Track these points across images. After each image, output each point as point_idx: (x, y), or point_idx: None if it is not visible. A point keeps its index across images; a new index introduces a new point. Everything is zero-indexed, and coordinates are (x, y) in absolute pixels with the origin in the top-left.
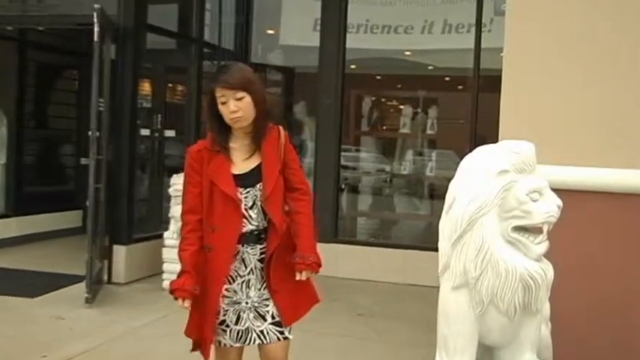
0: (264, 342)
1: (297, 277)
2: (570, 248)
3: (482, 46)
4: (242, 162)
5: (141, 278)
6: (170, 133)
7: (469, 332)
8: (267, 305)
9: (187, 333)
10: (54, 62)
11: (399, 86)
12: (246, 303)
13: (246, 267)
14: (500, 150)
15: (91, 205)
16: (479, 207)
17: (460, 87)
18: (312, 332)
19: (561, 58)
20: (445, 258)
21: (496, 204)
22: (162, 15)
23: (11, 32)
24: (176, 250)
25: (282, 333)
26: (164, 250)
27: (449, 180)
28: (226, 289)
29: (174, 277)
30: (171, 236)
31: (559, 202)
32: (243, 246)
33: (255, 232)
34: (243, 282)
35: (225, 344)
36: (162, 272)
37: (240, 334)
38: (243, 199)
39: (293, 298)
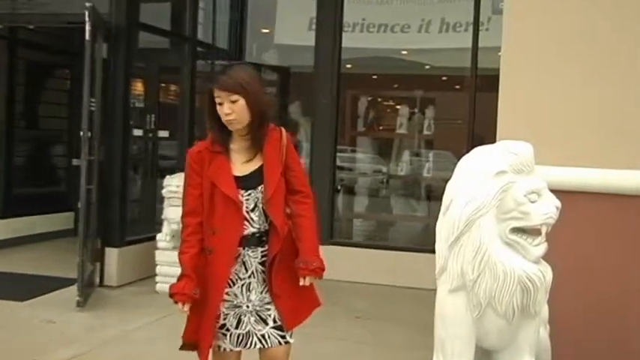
0: (266, 346)
1: (301, 283)
2: (569, 250)
3: (480, 45)
4: (243, 164)
5: (133, 281)
6: (163, 133)
7: (466, 335)
8: (269, 309)
9: (185, 337)
10: (45, 61)
11: (396, 86)
12: (247, 307)
13: (246, 270)
14: (497, 150)
15: (82, 207)
16: (476, 208)
17: (457, 87)
18: (310, 336)
19: (560, 57)
20: (442, 260)
21: (494, 205)
22: (155, 13)
23: (1, 30)
24: (169, 253)
25: (283, 337)
26: (157, 252)
27: (446, 181)
28: (226, 293)
29: (167, 279)
30: (164, 238)
31: (557, 203)
32: (244, 249)
33: (257, 235)
34: (243, 285)
35: (224, 348)
36: (156, 275)
37: (240, 338)
38: (244, 202)
39: (295, 302)
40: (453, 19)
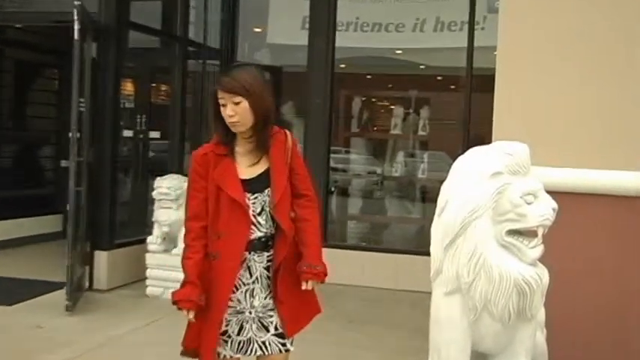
0: (266, 353)
1: (303, 287)
2: (565, 252)
3: (476, 44)
4: (249, 167)
5: (123, 285)
6: (154, 134)
7: (462, 339)
8: (272, 316)
9: (186, 343)
10: (33, 61)
11: (390, 86)
12: (250, 313)
13: (251, 275)
14: (493, 151)
15: (71, 209)
16: (472, 210)
17: (453, 86)
18: (304, 341)
19: (556, 56)
20: (437, 263)
21: (489, 207)
22: (145, 12)
23: None
24: (160, 256)
25: (284, 345)
26: (147, 255)
27: (441, 182)
28: (229, 299)
29: (157, 283)
30: (154, 241)
31: (554, 204)
32: (249, 253)
33: (263, 239)
34: (247, 290)
35: (224, 355)
36: (146, 278)
37: (241, 344)
38: (250, 205)
39: (297, 308)
40: (448, 18)
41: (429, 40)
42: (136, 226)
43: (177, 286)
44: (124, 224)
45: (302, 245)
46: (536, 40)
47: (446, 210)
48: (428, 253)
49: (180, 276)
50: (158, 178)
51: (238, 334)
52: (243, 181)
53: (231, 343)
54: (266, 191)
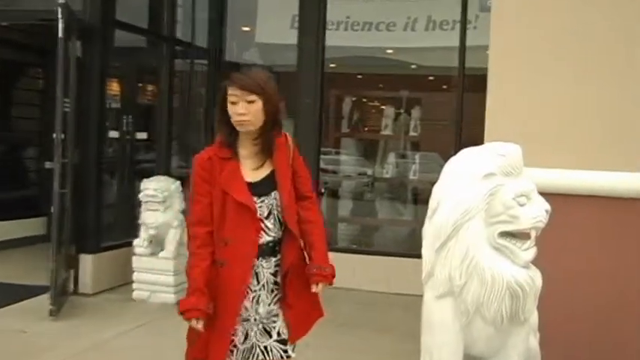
0: (267, 359)
1: (314, 289)
2: (559, 254)
3: (468, 43)
4: (253, 170)
5: (109, 288)
6: (141, 135)
7: (454, 343)
8: (275, 321)
9: (193, 354)
10: (16, 60)
11: (381, 86)
12: (255, 319)
13: (258, 282)
14: (485, 152)
15: (55, 212)
16: (464, 212)
17: (445, 86)
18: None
19: (550, 55)
20: (429, 265)
21: (482, 209)
22: (132, 11)
23: None
24: (146, 259)
25: (285, 351)
26: (134, 258)
27: (433, 184)
28: (240, 307)
29: (144, 286)
30: (141, 244)
31: (547, 206)
32: (258, 259)
33: (271, 244)
34: (253, 297)
35: None
36: (132, 282)
37: (245, 352)
38: (257, 209)
39: (303, 312)
40: (440, 17)
41: (420, 40)
42: (122, 228)
43: (165, 289)
44: (110, 227)
45: (309, 247)
46: (529, 39)
47: (438, 212)
48: (419, 256)
49: (168, 279)
50: (145, 179)
51: (243, 342)
52: (249, 184)
53: (237, 353)
54: (272, 194)
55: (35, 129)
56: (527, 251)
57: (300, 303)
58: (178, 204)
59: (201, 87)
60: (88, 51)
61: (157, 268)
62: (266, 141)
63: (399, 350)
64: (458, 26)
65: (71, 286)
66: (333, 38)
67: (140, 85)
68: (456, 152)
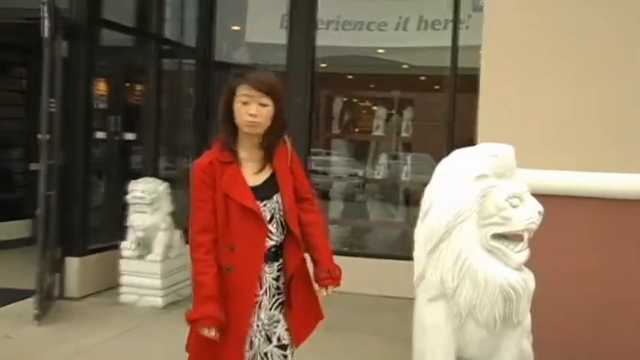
0: None
1: (324, 293)
2: (552, 256)
3: (460, 43)
4: (254, 174)
5: (96, 292)
6: (129, 136)
7: (446, 346)
8: (276, 327)
9: None
10: (0, 59)
11: (372, 86)
12: (257, 326)
13: (261, 287)
14: (478, 153)
15: (41, 214)
16: (456, 214)
17: (437, 87)
18: None
19: (545, 55)
20: (421, 268)
21: (474, 210)
22: (118, 9)
23: None
24: (134, 262)
25: (285, 357)
26: (121, 261)
27: (425, 185)
28: (251, 314)
29: (132, 290)
30: (129, 247)
31: (540, 208)
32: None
33: (273, 249)
34: (256, 303)
35: None
36: (120, 285)
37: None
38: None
39: (305, 316)
40: (432, 17)
41: (412, 39)
42: (109, 231)
43: (153, 293)
44: (97, 229)
45: (312, 250)
46: (520, 39)
47: (429, 214)
48: (411, 258)
49: (156, 283)
50: (132, 181)
51: (249, 350)
52: (251, 188)
53: None
54: (274, 197)
55: (20, 130)
56: (520, 253)
57: (301, 307)
58: (166, 206)
59: (189, 87)
60: (74, 50)
61: (144, 271)
62: (271, 145)
63: (390, 354)
64: (450, 26)
65: (57, 290)
66: (324, 38)
67: (127, 85)
68: (448, 153)
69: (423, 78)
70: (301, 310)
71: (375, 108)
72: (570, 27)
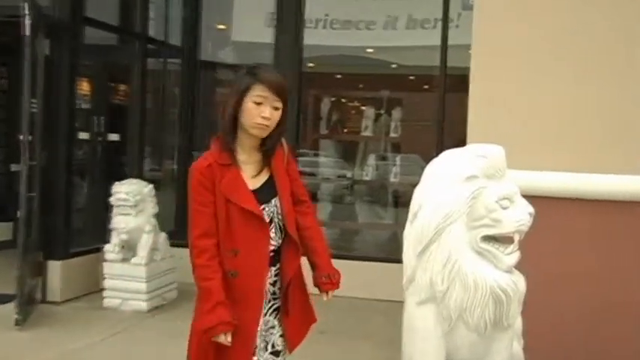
0: None
1: (325, 298)
2: (543, 258)
3: (450, 42)
4: (253, 177)
5: (79, 296)
6: (112, 136)
7: (436, 350)
8: (272, 333)
9: None
10: None
11: (361, 86)
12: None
13: None
14: (468, 154)
15: (22, 217)
16: (446, 215)
17: (426, 86)
18: None
19: (534, 54)
20: (410, 270)
21: (464, 212)
22: (102, 7)
23: None
24: (118, 265)
25: None
26: (105, 264)
27: (414, 186)
28: (259, 319)
29: (115, 294)
30: (112, 250)
31: (531, 209)
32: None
33: (272, 254)
34: (262, 309)
35: None
36: (103, 289)
37: None
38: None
39: (299, 320)
40: (421, 16)
41: (401, 38)
42: (93, 234)
43: (137, 297)
44: (80, 232)
45: (312, 254)
46: (511, 37)
47: (419, 215)
48: (400, 261)
49: (140, 286)
50: (116, 183)
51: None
52: (251, 191)
53: None
54: (273, 201)
55: (1, 130)
56: (511, 255)
57: (297, 313)
58: (151, 208)
59: (175, 87)
60: (57, 49)
61: (128, 274)
62: (272, 147)
63: (380, 358)
64: (439, 25)
65: (39, 295)
66: (312, 37)
67: (111, 84)
68: (437, 154)
69: (412, 77)
70: (297, 316)
71: (363, 108)
72: (563, 25)
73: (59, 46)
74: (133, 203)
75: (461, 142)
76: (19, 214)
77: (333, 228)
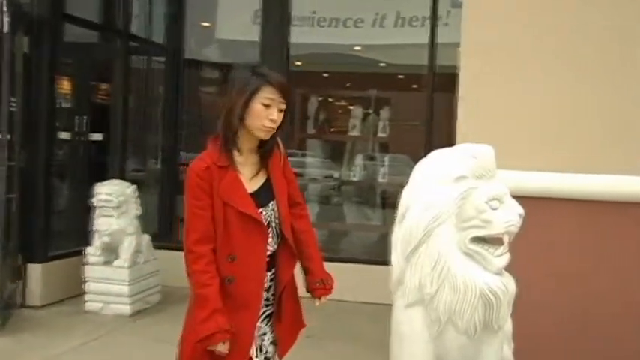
0: None
1: (317, 303)
2: (533, 260)
3: (438, 40)
4: (250, 180)
5: (60, 300)
6: (94, 136)
7: (425, 353)
8: (263, 340)
9: None
10: None
11: (349, 84)
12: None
13: None
14: (457, 154)
15: (1, 218)
16: (434, 216)
17: (414, 85)
18: None
19: (524, 52)
20: (398, 272)
21: (453, 213)
22: (83, 4)
23: None
24: (100, 268)
25: None
26: (86, 267)
27: (402, 187)
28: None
29: (97, 297)
30: (94, 252)
31: (520, 210)
32: None
33: (268, 258)
34: (259, 315)
35: None
36: (85, 293)
37: None
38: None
39: (290, 325)
40: (410, 13)
41: (389, 36)
42: (74, 236)
43: (119, 300)
44: (60, 234)
45: (306, 259)
46: (501, 36)
47: (407, 216)
48: (388, 263)
49: (123, 289)
50: (98, 183)
51: None
52: (249, 195)
53: None
54: (270, 205)
55: None
56: (500, 257)
57: (289, 319)
58: (134, 209)
59: (158, 85)
60: (36, 46)
61: (110, 277)
62: (270, 149)
63: None
64: (428, 23)
65: (18, 298)
66: (298, 35)
67: (93, 83)
68: (426, 154)
69: (400, 76)
70: (287, 319)
71: (351, 107)
72: (555, 24)
73: (39, 43)
74: (115, 204)
75: (450, 141)
76: None
77: (321, 229)
